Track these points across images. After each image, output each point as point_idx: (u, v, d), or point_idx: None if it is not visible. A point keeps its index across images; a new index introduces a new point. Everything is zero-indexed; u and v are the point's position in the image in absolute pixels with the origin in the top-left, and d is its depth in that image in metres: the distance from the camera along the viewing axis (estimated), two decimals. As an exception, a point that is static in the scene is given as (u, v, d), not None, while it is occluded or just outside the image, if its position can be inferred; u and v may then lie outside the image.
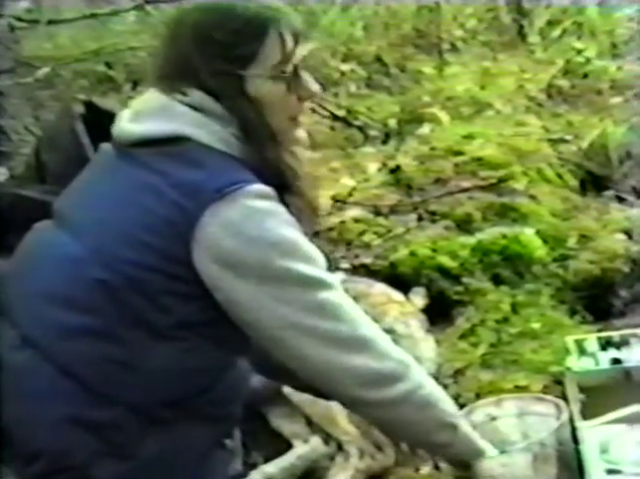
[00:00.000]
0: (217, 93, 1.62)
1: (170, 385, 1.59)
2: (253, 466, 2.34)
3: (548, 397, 2.16)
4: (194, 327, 1.58)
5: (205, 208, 1.53)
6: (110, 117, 2.49)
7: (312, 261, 1.59)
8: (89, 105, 2.61)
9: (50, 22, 4.18)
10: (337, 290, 1.62)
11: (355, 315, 1.64)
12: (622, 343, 2.43)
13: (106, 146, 1.74)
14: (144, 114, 1.66)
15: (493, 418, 2.12)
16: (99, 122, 2.38)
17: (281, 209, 1.59)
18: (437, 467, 2.24)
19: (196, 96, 1.62)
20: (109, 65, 4.89)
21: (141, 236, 1.55)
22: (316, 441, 2.40)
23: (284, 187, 1.64)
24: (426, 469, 2.29)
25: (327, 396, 1.96)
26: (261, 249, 1.55)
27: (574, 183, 3.80)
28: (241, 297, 1.56)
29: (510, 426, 2.11)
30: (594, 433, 2.07)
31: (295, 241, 1.58)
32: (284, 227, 1.58)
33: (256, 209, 1.56)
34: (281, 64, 1.64)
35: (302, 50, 1.66)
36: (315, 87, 1.70)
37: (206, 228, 1.53)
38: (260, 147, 1.63)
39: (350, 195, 3.58)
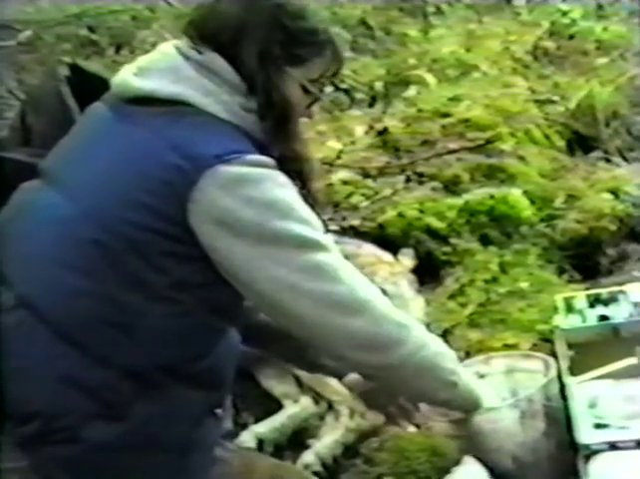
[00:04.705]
0: (249, 66, 1.62)
1: (165, 349, 1.58)
2: (244, 426, 2.35)
3: (537, 354, 2.18)
4: (190, 289, 1.58)
5: (204, 170, 1.52)
6: (95, 79, 2.46)
7: (308, 223, 1.59)
8: (74, 67, 2.58)
9: (32, -15, 4.13)
10: (334, 253, 1.61)
11: (353, 278, 1.62)
12: (610, 300, 2.45)
13: (97, 105, 1.71)
14: (151, 70, 1.64)
15: (482, 376, 2.13)
16: (84, 84, 2.35)
17: (279, 173, 1.59)
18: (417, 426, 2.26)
19: (212, 57, 1.62)
20: (91, 28, 4.84)
21: (138, 196, 1.54)
22: (306, 401, 2.42)
23: (288, 163, 1.64)
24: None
25: (312, 369, 2.00)
26: (258, 209, 1.54)
27: (561, 143, 3.81)
28: (237, 258, 1.55)
29: (499, 383, 2.13)
30: (582, 389, 2.09)
31: (291, 203, 1.58)
32: (281, 188, 1.58)
33: (254, 172, 1.56)
34: (314, 81, 1.69)
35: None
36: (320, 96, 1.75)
37: (204, 189, 1.52)
38: (276, 125, 1.64)
39: (337, 157, 3.57)
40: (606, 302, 2.45)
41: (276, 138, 1.65)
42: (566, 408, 2.02)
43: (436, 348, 1.72)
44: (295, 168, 1.65)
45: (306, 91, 1.68)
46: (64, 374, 1.54)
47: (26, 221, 1.64)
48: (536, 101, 4.05)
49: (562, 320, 2.41)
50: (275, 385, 2.45)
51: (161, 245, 1.54)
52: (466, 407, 1.82)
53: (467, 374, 1.82)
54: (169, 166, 1.53)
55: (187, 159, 1.53)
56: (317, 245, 1.58)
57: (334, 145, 3.70)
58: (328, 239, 1.62)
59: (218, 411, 1.69)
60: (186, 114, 1.58)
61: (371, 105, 4.31)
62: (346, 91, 4.39)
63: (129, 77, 1.65)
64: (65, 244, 1.57)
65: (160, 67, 1.64)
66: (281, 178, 1.58)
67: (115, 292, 1.54)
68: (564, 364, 2.19)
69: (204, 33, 1.65)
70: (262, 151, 1.60)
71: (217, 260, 1.56)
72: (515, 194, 3.24)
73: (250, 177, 1.55)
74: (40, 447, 1.56)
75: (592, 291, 2.55)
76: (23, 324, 1.56)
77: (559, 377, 2.08)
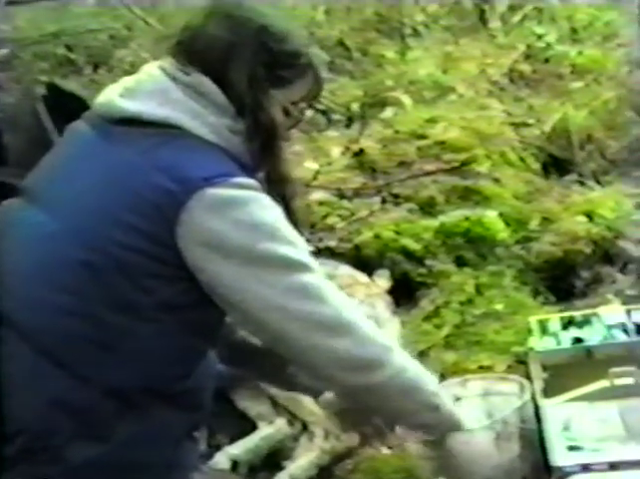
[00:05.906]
0: (237, 88, 1.63)
1: (148, 369, 1.58)
2: (218, 447, 2.34)
3: (512, 376, 2.19)
4: (174, 310, 1.58)
5: (192, 193, 1.53)
6: (72, 98, 2.46)
7: (294, 244, 1.60)
8: (50, 86, 2.58)
9: (9, 3, 4.11)
10: (319, 274, 1.63)
11: (338, 299, 1.64)
12: (584, 323, 2.47)
13: (78, 124, 1.71)
14: (137, 91, 1.64)
15: (459, 398, 2.13)
16: (60, 103, 2.35)
17: (264, 195, 1.61)
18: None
19: (200, 79, 1.63)
20: (69, 47, 4.82)
21: (125, 217, 1.54)
22: (281, 422, 2.41)
23: (273, 185, 1.66)
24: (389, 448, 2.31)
25: (289, 387, 2.01)
26: (245, 232, 1.56)
27: (536, 166, 3.84)
28: (225, 279, 1.57)
29: (475, 406, 2.13)
30: (556, 411, 2.10)
31: (277, 225, 1.60)
32: (267, 210, 1.60)
33: (241, 195, 1.57)
34: (295, 103, 1.71)
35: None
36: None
37: (192, 211, 1.53)
38: (262, 147, 1.66)
39: (314, 178, 3.58)
40: (580, 325, 2.47)
41: (262, 159, 1.67)
42: (540, 430, 2.03)
43: (418, 371, 1.73)
44: (279, 189, 1.67)
45: (287, 113, 1.70)
46: (47, 393, 1.54)
47: (8, 238, 1.63)
48: (512, 124, 4.08)
49: (536, 342, 2.42)
50: (250, 406, 2.45)
51: (148, 267, 1.55)
52: (446, 430, 1.81)
53: (447, 399, 1.82)
54: (158, 188, 1.54)
55: (176, 181, 1.53)
56: (302, 266, 1.60)
57: (310, 165, 3.71)
58: (312, 260, 1.63)
59: (196, 434, 1.70)
60: (174, 136, 1.59)
61: (347, 126, 4.33)
62: (323, 112, 4.40)
63: (114, 97, 1.65)
64: (49, 262, 1.56)
65: (147, 88, 1.64)
66: (266, 200, 1.60)
67: (99, 312, 1.54)
68: (538, 386, 2.20)
69: (192, 54, 1.65)
70: (247, 172, 1.61)
71: (205, 281, 1.57)
72: (491, 216, 3.26)
73: (237, 199, 1.56)
74: (22, 466, 1.55)
75: (566, 314, 2.56)
76: (5, 342, 1.55)
77: (533, 399, 2.09)
